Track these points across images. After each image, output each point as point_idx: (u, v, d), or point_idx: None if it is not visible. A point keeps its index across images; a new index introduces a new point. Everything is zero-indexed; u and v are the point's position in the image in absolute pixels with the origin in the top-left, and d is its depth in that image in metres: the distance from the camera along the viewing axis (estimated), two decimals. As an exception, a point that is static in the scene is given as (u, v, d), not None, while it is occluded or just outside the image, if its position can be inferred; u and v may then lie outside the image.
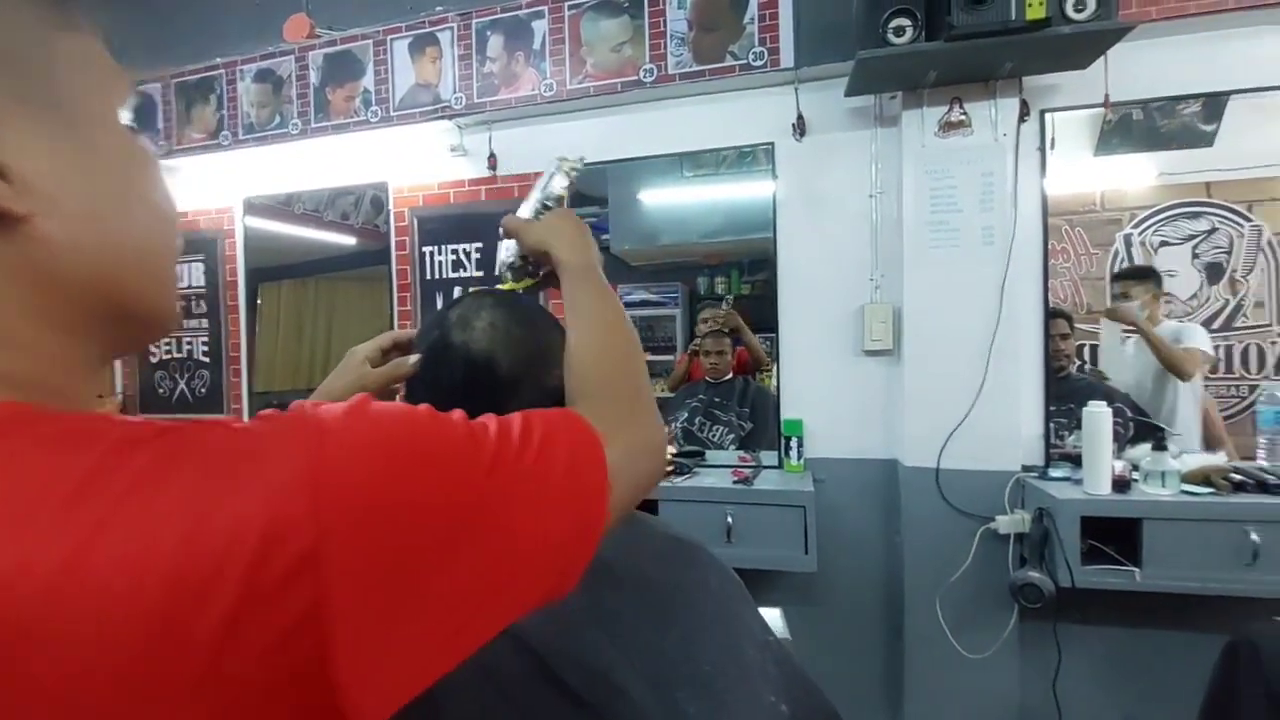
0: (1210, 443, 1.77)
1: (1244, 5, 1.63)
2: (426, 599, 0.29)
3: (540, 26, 2.15)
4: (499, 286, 0.75)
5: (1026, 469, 1.78)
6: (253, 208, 2.61)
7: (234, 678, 0.24)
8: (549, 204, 0.80)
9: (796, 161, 2.00)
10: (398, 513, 0.29)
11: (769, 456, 2.08)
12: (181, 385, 2.73)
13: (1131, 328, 1.83)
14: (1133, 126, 1.81)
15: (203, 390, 2.70)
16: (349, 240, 2.54)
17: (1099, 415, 1.59)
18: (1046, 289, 1.82)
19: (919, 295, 1.82)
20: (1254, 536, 1.43)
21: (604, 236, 2.35)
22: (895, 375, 1.91)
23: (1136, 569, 1.51)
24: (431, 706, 0.48)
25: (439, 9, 2.24)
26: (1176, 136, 1.79)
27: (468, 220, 2.32)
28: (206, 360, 2.69)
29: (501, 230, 0.75)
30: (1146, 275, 1.83)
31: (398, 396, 0.71)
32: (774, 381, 2.09)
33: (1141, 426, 1.80)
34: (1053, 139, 1.80)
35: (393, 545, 0.28)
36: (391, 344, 0.72)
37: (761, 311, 2.12)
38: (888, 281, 1.92)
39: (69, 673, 0.23)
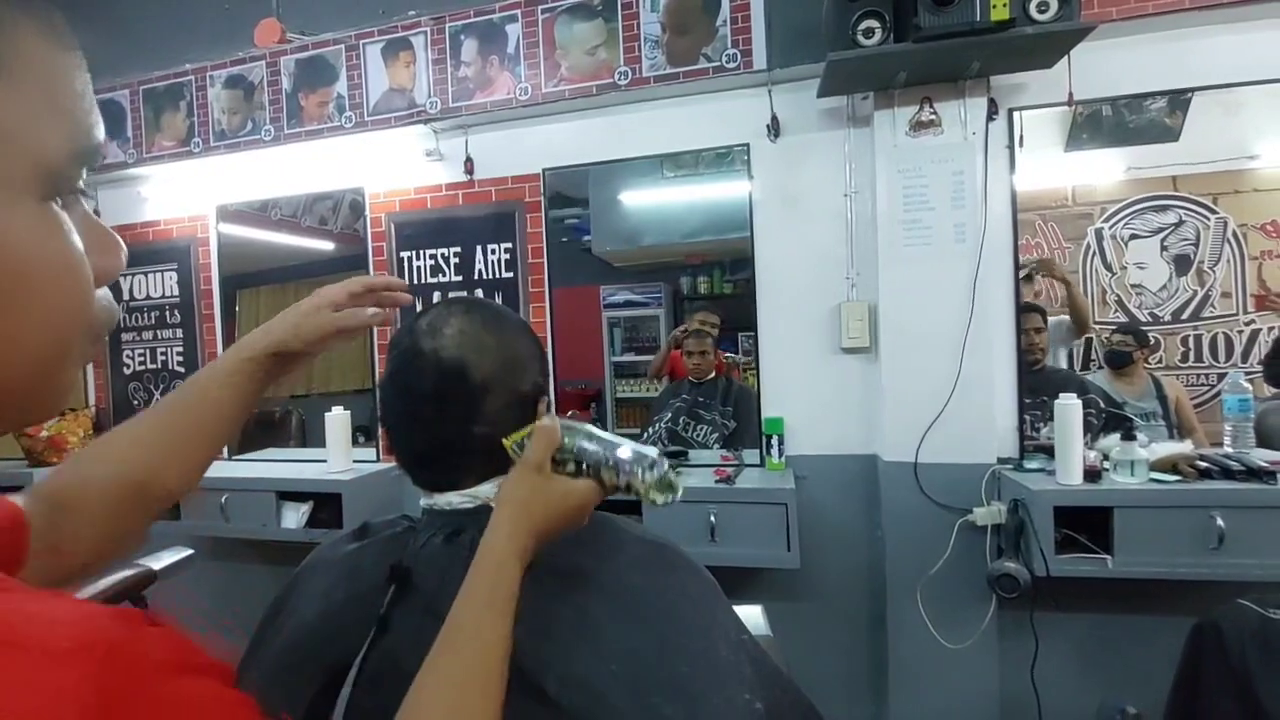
0: (1181, 430, 1.82)
1: (1200, 5, 1.67)
2: None
3: (514, 30, 2.15)
4: (507, 441, 0.63)
5: (1002, 461, 1.81)
6: (227, 214, 2.58)
7: None
8: (609, 476, 0.61)
9: (771, 162, 2.02)
10: None
11: (751, 455, 2.10)
12: (156, 396, 2.69)
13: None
14: (1101, 122, 1.84)
15: (179, 401, 2.66)
16: (327, 245, 2.52)
17: (1070, 407, 1.62)
18: (1018, 284, 1.86)
19: (894, 293, 1.85)
20: (1219, 522, 1.47)
21: (586, 238, 2.35)
22: (873, 372, 1.93)
23: (1108, 557, 1.54)
24: None
25: (411, 13, 2.23)
26: (1143, 132, 1.83)
27: (445, 225, 2.31)
28: (181, 370, 2.65)
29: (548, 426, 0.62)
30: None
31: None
32: (755, 380, 2.11)
33: (1112, 417, 1.84)
34: (1021, 136, 1.84)
35: None
36: (362, 289, 0.70)
37: (745, 311, 2.13)
38: (863, 280, 1.95)
39: None
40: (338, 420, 2.25)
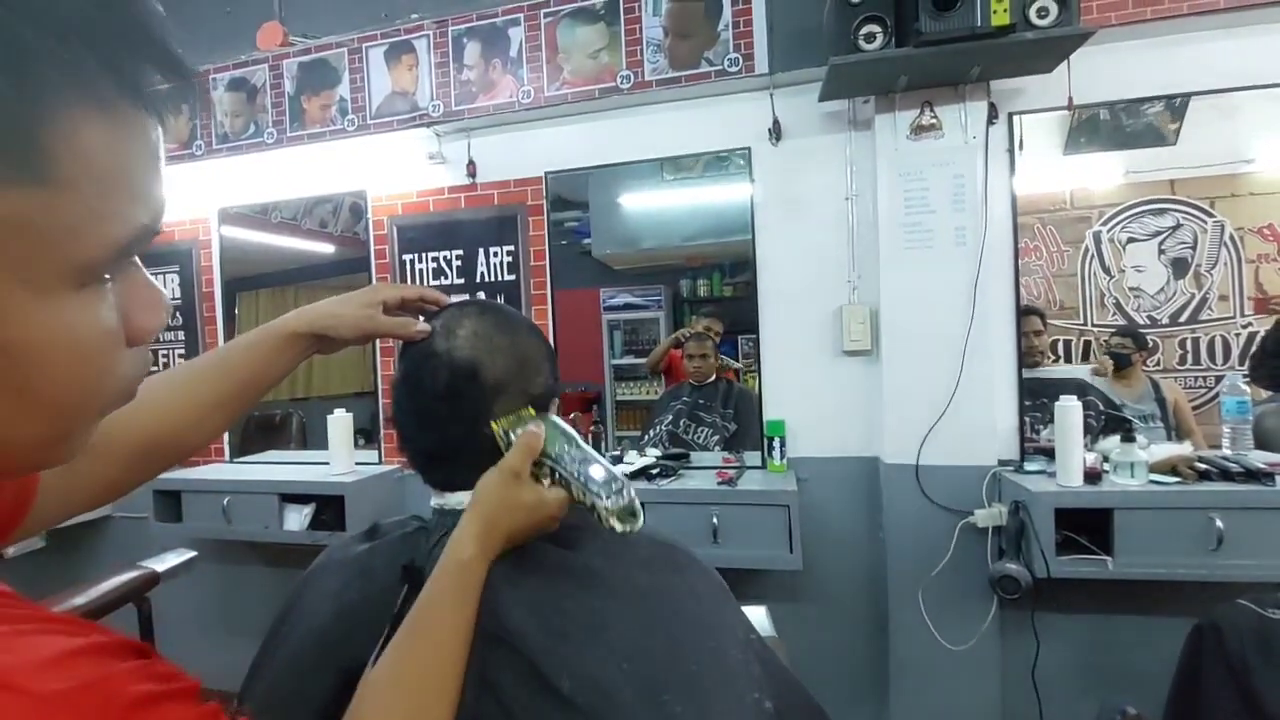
0: (1180, 433, 1.83)
1: (1198, 11, 1.69)
2: None
3: (517, 33, 2.16)
4: (495, 424, 0.64)
5: (1003, 463, 1.82)
6: (229, 217, 2.58)
7: None
8: (573, 486, 0.62)
9: (773, 165, 2.03)
10: None
11: (752, 457, 2.10)
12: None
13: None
14: (1099, 126, 1.85)
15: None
16: (328, 248, 2.53)
17: (1070, 409, 1.63)
18: (1018, 286, 1.87)
19: (895, 295, 1.86)
20: (1218, 523, 1.48)
21: (585, 241, 2.36)
22: (874, 374, 1.94)
23: (1109, 558, 1.55)
24: None
25: (414, 16, 2.23)
26: (1141, 136, 1.84)
27: (448, 228, 2.31)
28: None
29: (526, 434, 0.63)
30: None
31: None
32: (756, 383, 2.11)
33: (1112, 419, 1.85)
34: (1021, 140, 1.85)
35: None
36: (418, 299, 0.72)
37: (744, 313, 2.14)
38: (864, 282, 1.96)
39: None
40: (340, 422, 2.25)
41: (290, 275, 2.61)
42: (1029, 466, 1.78)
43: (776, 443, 2.00)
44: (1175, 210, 1.83)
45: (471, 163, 2.25)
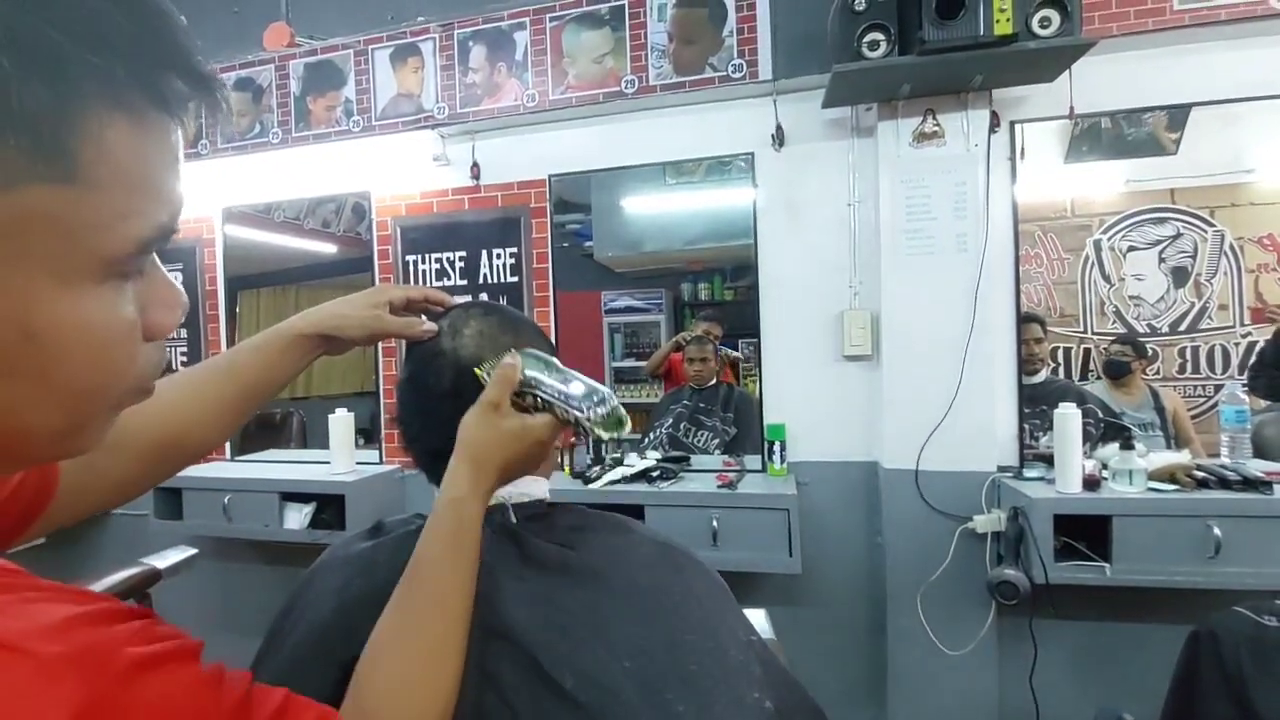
0: (1178, 441, 1.83)
1: (1199, 23, 1.70)
2: None
3: (522, 38, 2.17)
4: (478, 370, 0.64)
5: (1002, 469, 1.82)
6: (232, 216, 2.59)
7: None
8: (556, 404, 0.62)
9: (776, 171, 2.04)
10: None
11: (753, 461, 2.11)
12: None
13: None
14: (1101, 135, 1.87)
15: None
16: (330, 248, 2.54)
17: (1069, 417, 1.64)
18: (1019, 293, 1.88)
19: (896, 301, 1.87)
20: (1216, 531, 1.48)
21: (588, 244, 2.37)
22: (875, 379, 1.95)
23: (1107, 564, 1.55)
24: None
25: (420, 19, 2.25)
26: (1142, 145, 1.85)
27: (451, 229, 2.32)
28: (186, 371, 2.65)
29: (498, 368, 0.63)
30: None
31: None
32: (757, 387, 2.12)
33: (1111, 426, 1.86)
34: (1022, 148, 1.86)
35: None
36: (422, 299, 0.72)
37: (745, 317, 2.15)
38: (866, 288, 1.96)
39: None
40: (341, 422, 2.26)
41: (292, 275, 2.62)
42: (1028, 473, 1.79)
43: (777, 446, 2.01)
44: (1175, 219, 1.84)
45: (475, 165, 2.26)
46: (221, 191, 2.57)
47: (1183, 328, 1.84)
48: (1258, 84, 1.73)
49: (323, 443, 2.30)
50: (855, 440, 2.00)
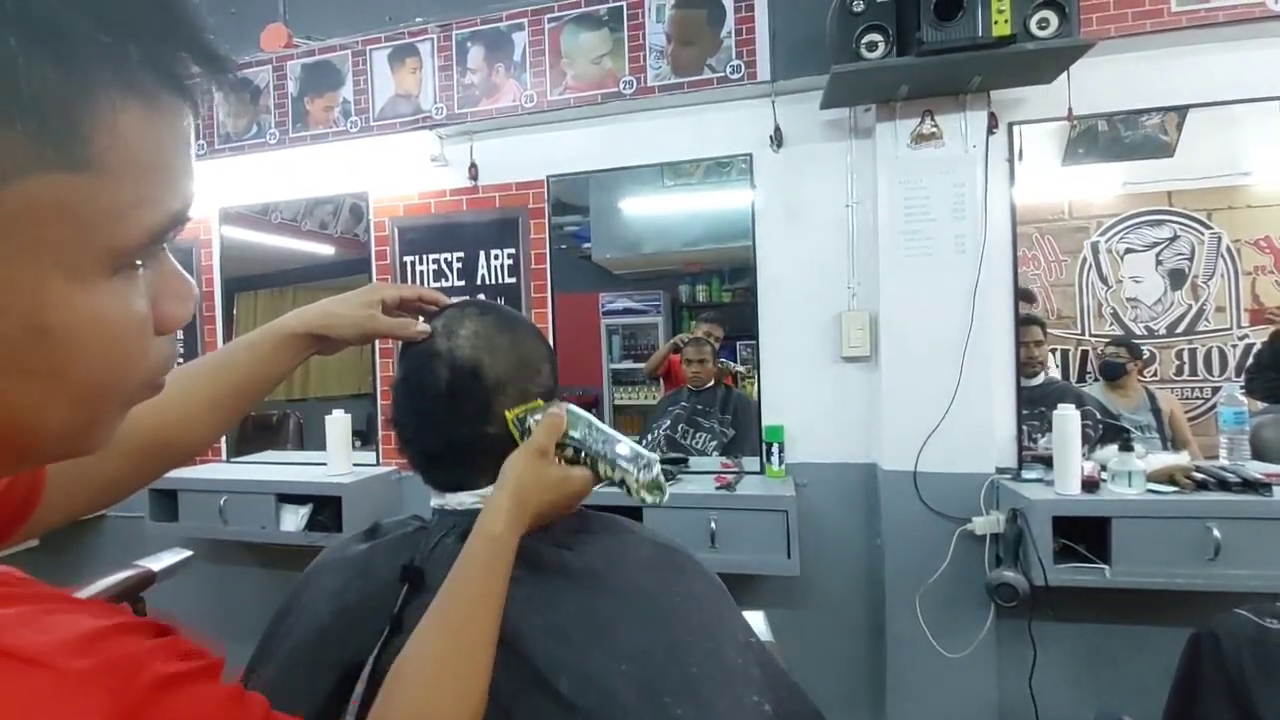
0: (1175, 443, 1.83)
1: (1197, 24, 1.71)
2: None
3: (520, 38, 2.17)
4: (509, 413, 0.65)
5: (1001, 471, 1.82)
6: (229, 217, 2.58)
7: None
8: (609, 467, 0.64)
9: (774, 172, 2.04)
10: None
11: (751, 462, 2.10)
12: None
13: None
14: (1098, 137, 1.87)
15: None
16: (328, 249, 2.53)
17: (1067, 418, 1.64)
18: (1017, 295, 1.88)
19: (895, 302, 1.86)
20: (1215, 533, 1.48)
21: (586, 245, 2.37)
22: (873, 381, 1.95)
23: (1106, 566, 1.55)
24: None
25: (418, 20, 2.25)
26: (1139, 147, 1.85)
27: (449, 230, 2.32)
28: (182, 372, 2.64)
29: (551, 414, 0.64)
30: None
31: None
32: (755, 388, 2.12)
33: (1109, 428, 1.86)
34: (1020, 150, 1.86)
35: None
36: (417, 298, 0.71)
37: (743, 319, 2.15)
38: (864, 289, 1.96)
39: None
40: (338, 423, 2.25)
41: (289, 276, 2.61)
42: (1027, 474, 1.78)
43: (775, 448, 2.00)
44: (1173, 221, 1.84)
45: (474, 165, 2.26)
46: (218, 192, 2.56)
47: (1180, 330, 1.84)
48: (1256, 86, 1.73)
49: (319, 444, 2.29)
50: (854, 442, 2.00)
